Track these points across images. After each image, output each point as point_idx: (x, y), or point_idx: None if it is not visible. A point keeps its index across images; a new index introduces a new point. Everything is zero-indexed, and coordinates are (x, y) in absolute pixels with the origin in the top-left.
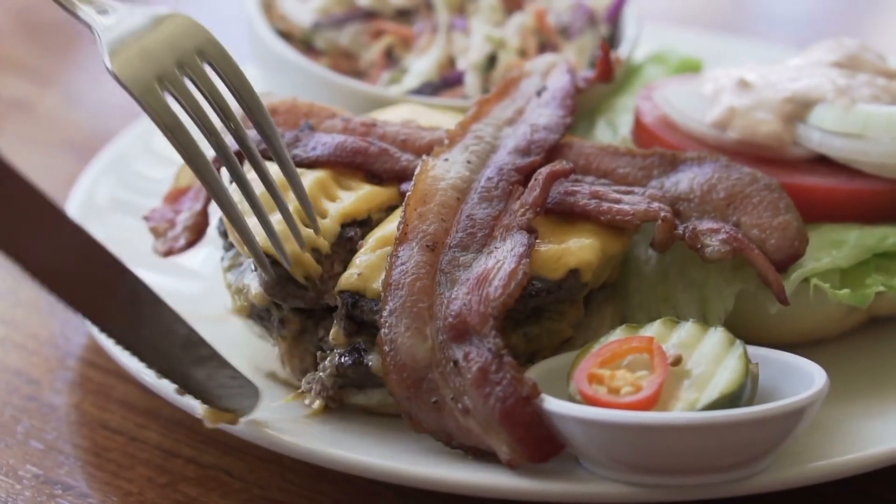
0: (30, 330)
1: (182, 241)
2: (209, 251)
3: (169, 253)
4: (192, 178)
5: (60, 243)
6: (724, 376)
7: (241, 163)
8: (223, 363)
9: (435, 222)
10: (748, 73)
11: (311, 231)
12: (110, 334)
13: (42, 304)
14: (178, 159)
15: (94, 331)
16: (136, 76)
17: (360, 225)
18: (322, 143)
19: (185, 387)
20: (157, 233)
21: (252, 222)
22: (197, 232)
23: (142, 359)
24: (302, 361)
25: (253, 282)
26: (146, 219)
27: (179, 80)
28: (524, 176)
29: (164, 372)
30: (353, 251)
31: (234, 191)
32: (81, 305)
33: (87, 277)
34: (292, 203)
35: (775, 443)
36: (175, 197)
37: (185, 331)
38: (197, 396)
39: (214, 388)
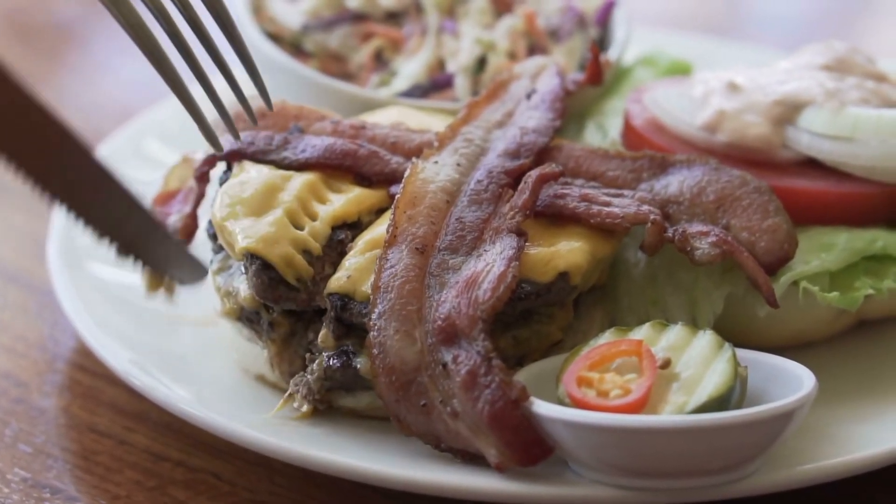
0: (18, 332)
1: None
2: (197, 254)
3: None
4: (182, 181)
5: None
6: (713, 379)
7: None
8: (166, 235)
9: (424, 225)
10: (738, 76)
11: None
12: (37, 184)
13: (31, 307)
14: (167, 162)
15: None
16: None
17: (351, 227)
18: (311, 145)
19: (125, 251)
20: None
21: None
22: (186, 235)
23: (80, 219)
24: (291, 364)
25: (242, 284)
26: None
27: None
28: (513, 179)
29: (104, 235)
30: (344, 253)
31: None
32: (14, 157)
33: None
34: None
35: (764, 446)
36: (164, 200)
37: (127, 199)
38: (139, 261)
39: (156, 255)
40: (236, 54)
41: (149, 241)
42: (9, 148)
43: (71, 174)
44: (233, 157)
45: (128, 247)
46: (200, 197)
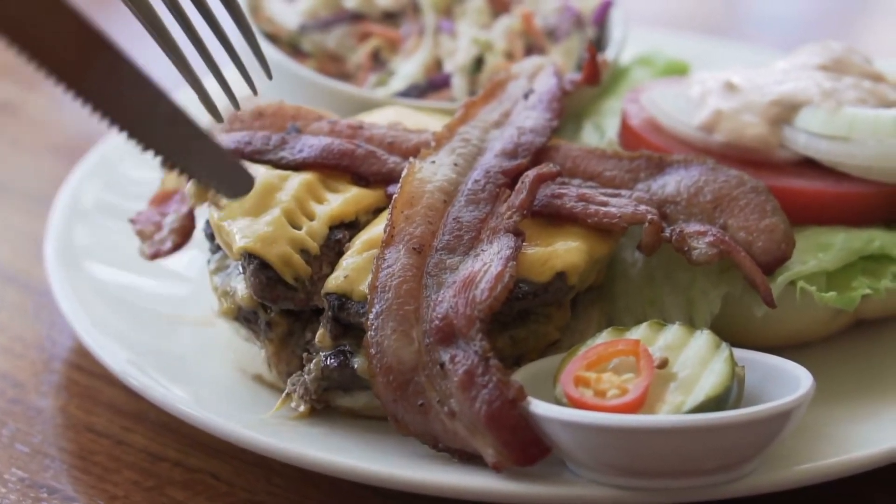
0: (15, 333)
1: (169, 244)
2: (195, 254)
3: (156, 256)
4: (179, 181)
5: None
6: (711, 379)
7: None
8: (213, 144)
9: (422, 225)
10: (735, 76)
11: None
12: (89, 102)
13: (28, 307)
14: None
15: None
16: None
17: (348, 227)
18: (309, 145)
19: (172, 163)
20: (143, 236)
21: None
22: (183, 235)
23: (124, 130)
24: (289, 364)
25: (240, 284)
26: (132, 221)
27: None
28: (511, 179)
29: (149, 146)
30: (342, 253)
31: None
32: (57, 69)
33: (62, 42)
34: None
35: (762, 446)
36: (161, 200)
37: (170, 108)
38: (182, 173)
39: (202, 167)
40: (239, 30)
41: (194, 150)
42: (49, 56)
43: (108, 81)
44: None
45: (172, 157)
46: None
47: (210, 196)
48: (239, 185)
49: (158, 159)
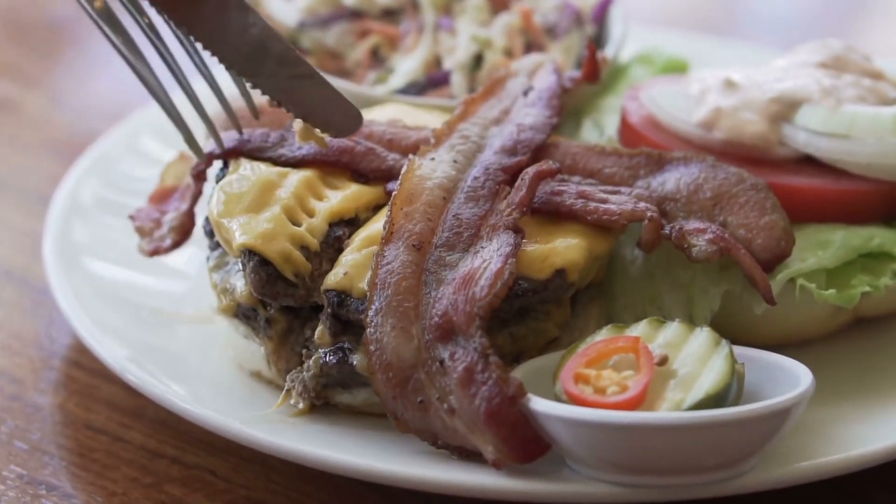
0: (14, 330)
1: (168, 242)
2: (194, 251)
3: (155, 253)
4: (179, 178)
5: None
6: (710, 376)
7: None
8: (322, 82)
9: (421, 222)
10: (734, 74)
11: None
12: (199, 40)
13: (27, 304)
14: (163, 159)
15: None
16: None
17: (348, 224)
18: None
19: (281, 100)
20: (142, 232)
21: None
22: (183, 232)
23: (233, 68)
24: (288, 362)
25: (239, 281)
26: (132, 218)
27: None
28: (510, 176)
29: (258, 84)
30: (341, 250)
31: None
32: (168, 7)
33: None
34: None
35: (761, 443)
36: (161, 197)
37: (280, 46)
38: (290, 110)
39: (310, 104)
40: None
41: (302, 88)
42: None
43: (218, 19)
44: (229, 155)
45: (279, 95)
46: (197, 195)
47: (316, 134)
48: (346, 122)
49: (264, 98)
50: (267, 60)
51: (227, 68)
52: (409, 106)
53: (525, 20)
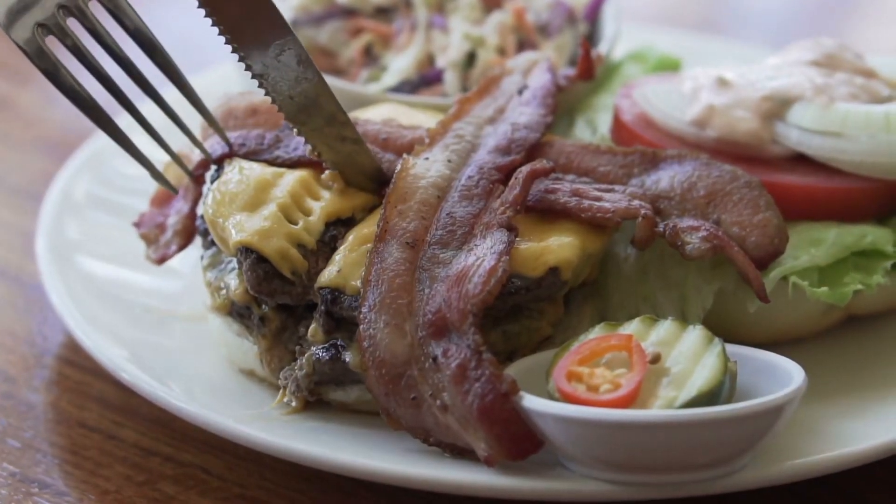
0: (6, 327)
1: (174, 247)
2: (188, 249)
3: (163, 260)
4: (178, 179)
5: None
6: (703, 374)
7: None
8: (365, 151)
9: (415, 220)
10: (727, 72)
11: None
12: (255, 77)
13: (19, 302)
14: (159, 158)
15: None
16: (14, 22)
17: (345, 224)
18: (303, 142)
19: (321, 154)
20: (148, 240)
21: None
22: (187, 236)
23: (280, 111)
24: (281, 360)
25: (233, 280)
26: (136, 225)
27: (61, 24)
28: (505, 174)
29: (302, 133)
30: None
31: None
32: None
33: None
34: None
35: (754, 441)
36: (163, 199)
37: (331, 107)
38: (327, 166)
39: (348, 167)
40: (190, 103)
41: (341, 150)
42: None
43: (273, 61)
44: (225, 158)
45: (318, 148)
46: (198, 196)
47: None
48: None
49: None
50: (316, 117)
51: (278, 110)
52: (404, 106)
53: (518, 18)
